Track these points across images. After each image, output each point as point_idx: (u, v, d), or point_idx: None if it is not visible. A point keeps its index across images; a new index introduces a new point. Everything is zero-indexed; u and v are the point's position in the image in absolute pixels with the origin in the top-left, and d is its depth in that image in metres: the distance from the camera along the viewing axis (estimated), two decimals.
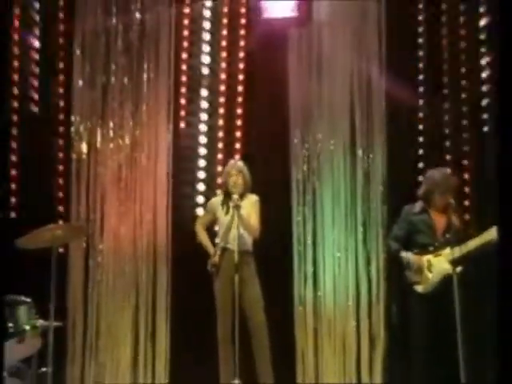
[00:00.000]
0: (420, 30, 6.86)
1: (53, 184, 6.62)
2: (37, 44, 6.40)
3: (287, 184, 6.75)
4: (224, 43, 6.98)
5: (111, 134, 6.82)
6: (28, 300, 4.71)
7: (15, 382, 4.61)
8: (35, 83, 6.44)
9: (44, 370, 4.82)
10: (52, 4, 6.60)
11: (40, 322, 4.71)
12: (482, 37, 6.54)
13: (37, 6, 6.44)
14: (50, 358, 4.82)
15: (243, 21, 6.98)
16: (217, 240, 5.87)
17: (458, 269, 5.28)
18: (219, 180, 6.82)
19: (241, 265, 5.47)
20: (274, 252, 6.36)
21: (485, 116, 6.51)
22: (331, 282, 6.68)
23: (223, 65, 6.98)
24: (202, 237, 5.93)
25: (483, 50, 6.54)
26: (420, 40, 6.86)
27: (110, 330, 6.59)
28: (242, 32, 6.97)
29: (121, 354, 6.57)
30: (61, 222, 6.38)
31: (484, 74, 6.53)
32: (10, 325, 4.55)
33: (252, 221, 5.70)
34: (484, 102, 6.53)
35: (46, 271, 5.30)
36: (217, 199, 5.96)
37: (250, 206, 5.74)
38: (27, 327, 4.60)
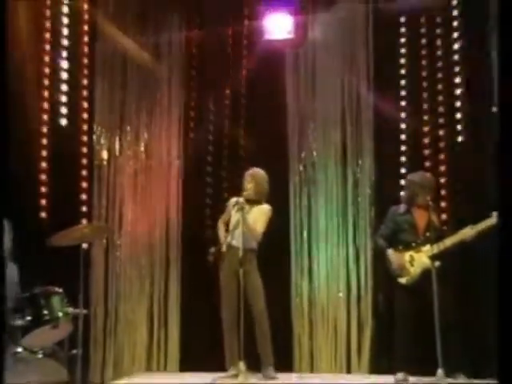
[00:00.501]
0: (402, 50, 6.91)
1: (77, 187, 6.62)
2: (64, 64, 6.45)
3: (286, 189, 6.86)
4: (229, 62, 7.04)
5: (128, 143, 6.92)
6: (60, 291, 4.79)
7: (50, 362, 4.64)
8: (63, 99, 6.47)
9: (74, 351, 4.92)
10: (77, 29, 6.60)
11: (71, 310, 4.79)
12: (456, 58, 6.60)
13: (65, 32, 6.48)
14: (80, 341, 4.93)
15: (245, 42, 7.05)
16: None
17: (437, 263, 5.37)
18: (225, 184, 6.97)
19: (244, 260, 5.52)
20: (275, 249, 6.36)
21: (459, 127, 6.58)
22: (324, 275, 6.78)
23: (228, 81, 7.04)
24: (219, 232, 5.95)
25: (457, 69, 6.59)
26: (402, 60, 6.89)
27: (127, 317, 6.70)
28: (245, 52, 7.05)
29: (137, 338, 6.71)
30: (84, 222, 6.43)
31: (458, 91, 6.58)
32: (46, 312, 4.63)
33: (257, 226, 5.72)
34: (458, 116, 6.57)
35: (72, 265, 5.40)
36: (233, 200, 5.95)
37: (260, 213, 5.78)
38: (60, 314, 4.67)
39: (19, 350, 4.44)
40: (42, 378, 4.42)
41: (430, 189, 5.76)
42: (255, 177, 5.83)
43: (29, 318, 4.53)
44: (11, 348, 4.39)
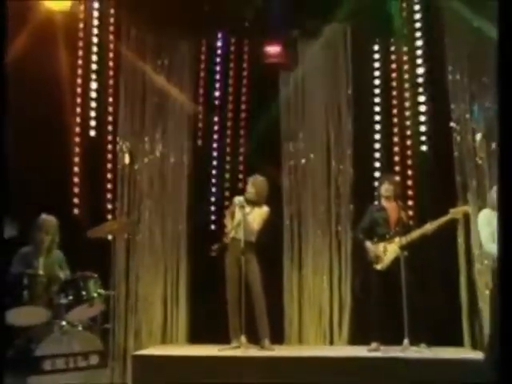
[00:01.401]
0: (376, 73, 7.06)
1: (104, 188, 6.67)
2: (94, 85, 6.54)
3: (279, 190, 6.91)
4: (231, 81, 7.18)
5: (146, 151, 6.94)
6: (95, 275, 4.94)
7: (87, 333, 4.78)
8: (92, 114, 6.57)
9: (106, 326, 5.17)
10: (104, 56, 6.67)
11: (103, 291, 4.94)
12: (420, 80, 6.75)
13: (94, 58, 6.56)
14: (112, 317, 5.30)
15: (245, 65, 7.20)
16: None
17: (405, 253, 5.68)
18: (227, 185, 7.11)
19: (245, 250, 5.71)
20: (270, 242, 6.38)
21: (423, 138, 6.72)
22: (311, 263, 6.87)
23: (230, 98, 7.18)
24: (227, 221, 6.05)
25: (420, 89, 6.74)
26: (376, 81, 7.06)
27: (145, 297, 6.69)
28: (245, 73, 7.19)
29: (153, 316, 6.71)
30: (110, 217, 6.52)
31: (422, 108, 6.75)
32: (84, 293, 4.75)
33: (254, 224, 5.85)
34: (422, 128, 6.74)
35: (99, 254, 5.79)
36: (236, 198, 5.97)
37: (259, 213, 5.90)
38: (95, 295, 4.80)
39: (64, 323, 4.60)
40: (81, 346, 4.58)
41: (394, 184, 6.00)
42: (256, 182, 5.96)
43: (70, 297, 4.69)
44: (58, 322, 4.59)
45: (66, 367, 4.45)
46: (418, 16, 6.72)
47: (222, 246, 5.90)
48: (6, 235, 4.35)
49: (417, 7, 6.71)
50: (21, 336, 4.62)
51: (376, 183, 6.53)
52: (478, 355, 5.23)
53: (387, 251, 5.86)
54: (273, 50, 6.94)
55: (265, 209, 5.98)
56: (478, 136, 6.27)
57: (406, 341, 5.52)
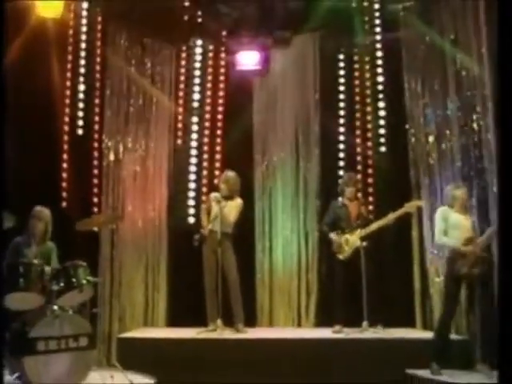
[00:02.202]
0: (341, 80, 7.18)
1: (90, 183, 6.64)
2: (81, 87, 6.45)
3: (251, 185, 7.01)
4: (209, 85, 7.18)
5: (129, 148, 6.91)
6: (84, 263, 4.84)
7: (78, 317, 4.69)
8: (80, 114, 6.53)
9: (94, 310, 5.13)
10: (92, 60, 6.60)
11: (92, 278, 4.83)
12: (380, 87, 6.92)
13: (82, 62, 6.51)
14: (100, 301, 5.37)
15: (222, 70, 7.18)
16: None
17: (364, 243, 5.87)
18: (204, 181, 7.04)
19: (221, 241, 5.77)
20: (243, 233, 6.43)
21: (382, 140, 6.88)
22: (281, 253, 6.96)
23: (208, 100, 7.18)
24: (202, 217, 6.14)
25: (380, 96, 6.89)
26: (341, 87, 7.14)
27: (128, 283, 6.69)
28: (222, 78, 7.19)
29: (135, 301, 6.72)
30: (95, 210, 6.49)
31: (381, 113, 6.89)
32: (74, 280, 4.67)
33: (231, 216, 5.91)
34: (381, 131, 6.89)
35: (86, 244, 5.89)
36: (212, 195, 6.00)
37: (234, 205, 5.97)
38: (84, 281, 4.72)
39: (55, 308, 4.54)
40: (72, 329, 4.50)
41: (354, 182, 6.18)
42: (228, 178, 6.03)
43: (62, 284, 4.64)
44: (50, 307, 4.54)
45: (58, 348, 4.40)
46: (378, 30, 6.89)
47: (201, 237, 5.94)
48: (5, 226, 4.39)
49: (377, 21, 6.86)
50: (17, 319, 4.62)
51: (340, 180, 6.61)
52: (428, 335, 5.45)
53: (349, 242, 6.00)
54: (247, 57, 6.98)
55: (238, 201, 6.04)
56: (430, 138, 6.41)
57: (364, 322, 5.74)
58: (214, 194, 6.00)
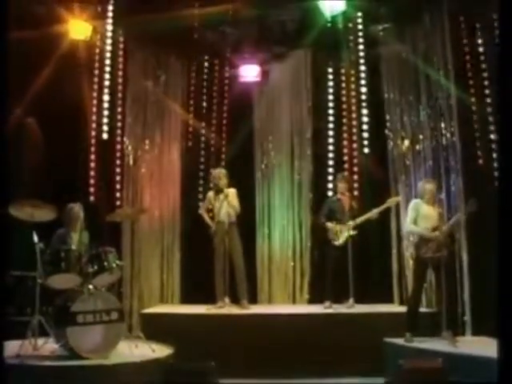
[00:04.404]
0: (330, 90, 7.37)
1: (113, 180, 6.82)
2: (106, 97, 6.65)
3: (252, 181, 7.24)
4: (215, 95, 7.44)
5: (147, 151, 7.07)
6: (113, 250, 5.08)
7: (108, 295, 4.92)
8: (104, 120, 6.69)
9: (122, 289, 5.56)
10: (115, 73, 6.75)
11: (120, 262, 5.08)
12: (363, 97, 7.06)
13: (107, 76, 6.63)
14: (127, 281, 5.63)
15: (226, 82, 7.44)
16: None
17: (355, 232, 6.15)
18: (211, 178, 6.86)
19: (229, 230, 6.07)
20: (246, 221, 6.63)
21: (365, 142, 7.05)
22: (278, 240, 7.13)
23: (214, 108, 7.41)
24: (204, 216, 6.39)
25: (364, 104, 7.05)
26: (330, 96, 7.33)
27: (146, 266, 6.82)
28: (226, 88, 7.45)
29: (152, 281, 6.89)
30: (118, 204, 6.66)
31: (364, 119, 7.05)
32: (106, 264, 4.87)
33: (235, 204, 6.15)
34: (365, 135, 7.03)
35: (113, 233, 6.14)
36: (210, 193, 6.29)
37: (232, 195, 6.16)
38: (114, 265, 4.95)
39: (91, 287, 4.78)
40: (104, 305, 4.73)
41: (345, 182, 6.34)
42: (223, 174, 6.19)
43: (96, 267, 4.87)
44: (87, 286, 4.80)
45: (94, 321, 4.63)
46: (361, 47, 7.10)
47: (213, 232, 6.20)
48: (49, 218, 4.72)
49: (360, 40, 7.08)
50: (59, 296, 4.91)
51: (329, 177, 6.98)
52: (404, 309, 5.72)
53: (342, 231, 6.21)
54: (249, 70, 7.22)
55: (232, 190, 6.15)
56: (406, 142, 6.67)
57: (351, 299, 6.04)
58: (211, 192, 6.26)
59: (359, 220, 6.16)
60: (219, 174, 6.21)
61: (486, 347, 4.51)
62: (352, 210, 6.23)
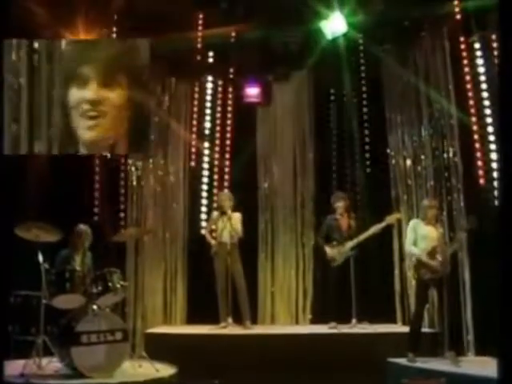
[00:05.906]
0: (331, 112, 7.50)
1: (117, 200, 6.81)
2: None
3: (255, 201, 7.28)
4: (218, 115, 7.43)
5: (150, 172, 7.10)
6: (118, 270, 5.12)
7: (112, 315, 5.00)
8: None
9: (126, 310, 5.58)
10: None
11: (124, 283, 5.11)
12: (365, 117, 7.17)
13: None
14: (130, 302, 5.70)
15: (230, 102, 7.45)
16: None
17: (354, 252, 6.22)
18: (215, 198, 7.14)
19: (230, 251, 6.13)
20: (249, 240, 6.64)
21: (367, 162, 7.20)
22: (281, 261, 7.17)
23: (218, 128, 7.40)
24: (207, 236, 6.48)
25: (365, 124, 7.21)
26: (332, 117, 7.50)
27: (150, 286, 6.80)
28: (230, 109, 7.46)
29: (156, 301, 6.90)
30: (122, 224, 6.70)
31: (366, 139, 7.20)
32: (110, 284, 4.93)
33: (238, 228, 6.23)
34: (367, 155, 7.15)
35: (117, 253, 6.15)
36: (215, 213, 6.41)
37: (237, 219, 6.27)
38: (118, 286, 5.00)
39: (95, 307, 4.87)
40: (109, 325, 4.79)
41: (342, 201, 6.42)
42: (230, 196, 6.32)
43: (100, 287, 4.93)
44: (91, 306, 4.90)
45: (98, 340, 4.69)
46: (363, 68, 7.29)
47: (215, 252, 6.29)
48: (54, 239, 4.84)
49: (362, 61, 7.26)
50: (64, 317, 4.95)
51: (332, 198, 6.92)
52: (407, 329, 5.77)
53: (340, 252, 6.27)
54: (252, 91, 7.26)
55: (237, 214, 6.28)
56: (408, 161, 6.75)
57: (354, 320, 6.11)
58: (215, 213, 6.38)
59: (357, 240, 6.19)
60: (224, 196, 6.35)
61: (488, 367, 4.50)
62: (350, 230, 6.31)
